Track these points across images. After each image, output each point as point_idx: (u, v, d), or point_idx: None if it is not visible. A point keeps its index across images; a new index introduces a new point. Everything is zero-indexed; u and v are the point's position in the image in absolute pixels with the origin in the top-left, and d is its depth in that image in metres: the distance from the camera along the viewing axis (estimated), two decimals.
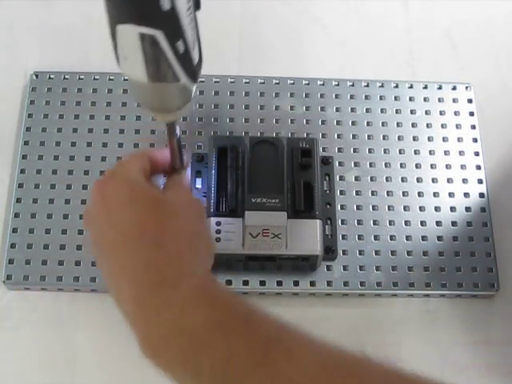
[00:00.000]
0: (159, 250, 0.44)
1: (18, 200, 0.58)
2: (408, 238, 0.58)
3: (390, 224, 0.59)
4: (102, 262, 0.46)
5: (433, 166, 0.61)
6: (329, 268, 0.57)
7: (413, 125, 0.63)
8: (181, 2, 0.38)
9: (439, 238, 0.58)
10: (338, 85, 0.64)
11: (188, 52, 0.40)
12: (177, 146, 0.50)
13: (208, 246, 0.49)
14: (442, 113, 0.64)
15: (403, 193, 0.60)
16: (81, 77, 0.64)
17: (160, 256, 0.44)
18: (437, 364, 0.56)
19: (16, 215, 0.58)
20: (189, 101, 0.45)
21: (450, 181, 0.61)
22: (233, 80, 0.64)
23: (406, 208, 0.59)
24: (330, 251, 0.57)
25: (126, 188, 0.46)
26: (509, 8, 0.71)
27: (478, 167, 0.62)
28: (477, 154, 0.62)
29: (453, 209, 0.60)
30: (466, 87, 0.65)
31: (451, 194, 0.60)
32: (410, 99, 0.64)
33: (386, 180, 0.60)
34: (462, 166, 0.61)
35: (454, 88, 0.65)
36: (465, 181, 0.61)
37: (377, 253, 0.58)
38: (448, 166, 0.61)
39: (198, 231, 0.48)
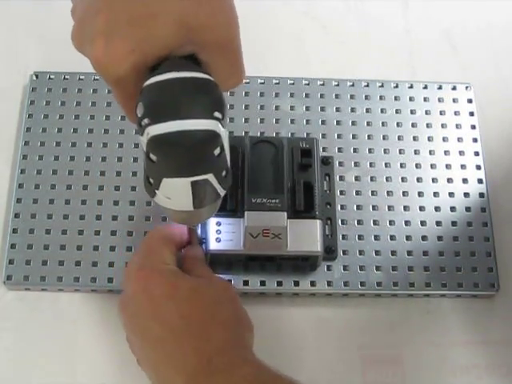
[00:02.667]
0: (207, 341, 0.46)
1: (18, 200, 0.58)
2: (408, 237, 0.58)
3: (390, 224, 0.59)
4: (145, 354, 0.48)
5: (433, 166, 0.61)
6: (329, 268, 0.57)
7: (413, 125, 0.63)
8: (225, 141, 0.39)
9: (439, 238, 0.58)
10: (337, 85, 0.64)
11: (228, 172, 0.41)
12: (193, 232, 0.52)
13: (249, 327, 0.50)
14: (441, 113, 0.64)
15: (403, 193, 0.60)
16: (81, 77, 0.63)
17: (209, 346, 0.45)
18: (437, 364, 0.56)
19: (16, 215, 0.58)
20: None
21: (450, 181, 0.61)
22: None
23: (406, 208, 0.59)
24: (330, 251, 0.57)
25: (169, 281, 0.48)
26: (509, 8, 0.71)
27: (478, 167, 0.62)
28: (477, 153, 0.62)
29: (453, 209, 0.60)
30: (466, 87, 0.65)
31: (451, 194, 0.60)
32: (410, 99, 0.64)
33: (386, 180, 0.60)
34: (462, 166, 0.62)
35: (454, 88, 0.65)
36: (465, 181, 0.61)
37: (377, 253, 0.58)
38: (448, 166, 0.61)
39: (238, 315, 0.50)
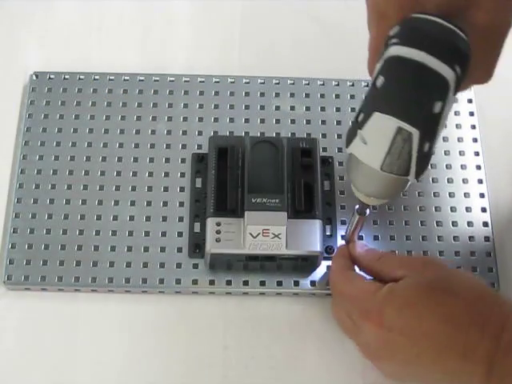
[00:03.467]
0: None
1: (19, 200, 0.58)
2: (408, 237, 0.58)
3: (389, 224, 0.59)
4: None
5: (433, 166, 0.61)
6: (329, 268, 0.57)
7: None
8: (448, 108, 0.39)
9: (439, 238, 0.58)
10: (337, 85, 0.65)
11: (429, 153, 0.41)
12: (360, 224, 0.52)
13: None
14: None
15: (403, 193, 0.60)
16: (81, 77, 0.64)
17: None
18: None
19: (16, 215, 0.58)
20: (399, 194, 0.46)
21: (450, 181, 0.61)
22: (233, 80, 0.64)
23: (405, 208, 0.59)
24: (330, 251, 0.57)
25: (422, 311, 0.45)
26: None
27: (478, 167, 0.62)
28: (477, 153, 0.62)
29: (453, 209, 0.60)
30: None
31: (451, 194, 0.60)
32: None
33: None
34: (463, 166, 0.61)
35: None
36: (465, 181, 0.61)
37: None
38: (448, 166, 0.61)
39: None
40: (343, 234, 0.56)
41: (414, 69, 0.37)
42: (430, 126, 0.39)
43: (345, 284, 0.51)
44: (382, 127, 0.39)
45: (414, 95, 0.38)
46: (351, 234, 0.54)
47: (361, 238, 0.58)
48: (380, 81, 0.38)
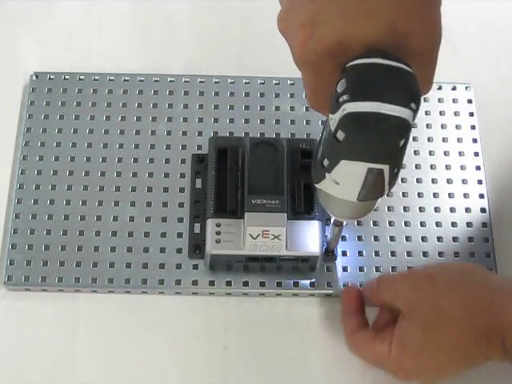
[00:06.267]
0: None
1: (19, 201, 0.58)
2: (408, 238, 0.58)
3: (389, 225, 0.59)
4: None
5: (432, 167, 0.61)
6: (328, 269, 0.57)
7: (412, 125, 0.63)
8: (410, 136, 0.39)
9: (439, 239, 0.59)
10: None
11: (399, 171, 0.41)
12: (339, 233, 0.53)
13: None
14: (441, 113, 0.64)
15: (403, 193, 0.60)
16: (81, 77, 0.64)
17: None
18: None
19: (16, 216, 0.58)
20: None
21: (449, 181, 0.61)
22: (233, 80, 0.64)
23: (405, 209, 0.59)
24: (329, 252, 0.57)
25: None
26: (509, 8, 0.71)
27: (478, 168, 0.62)
28: (476, 154, 0.62)
29: (452, 209, 0.60)
30: (466, 87, 0.65)
31: (451, 195, 0.60)
32: None
33: None
34: (462, 167, 0.62)
35: (454, 88, 0.65)
36: (464, 181, 0.61)
37: (376, 254, 0.58)
38: (448, 167, 0.61)
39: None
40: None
41: (372, 120, 0.36)
42: (398, 158, 0.40)
43: (361, 350, 0.53)
44: (353, 171, 0.39)
45: (378, 143, 0.38)
46: (333, 242, 0.55)
47: (360, 238, 0.58)
48: (341, 135, 0.38)
